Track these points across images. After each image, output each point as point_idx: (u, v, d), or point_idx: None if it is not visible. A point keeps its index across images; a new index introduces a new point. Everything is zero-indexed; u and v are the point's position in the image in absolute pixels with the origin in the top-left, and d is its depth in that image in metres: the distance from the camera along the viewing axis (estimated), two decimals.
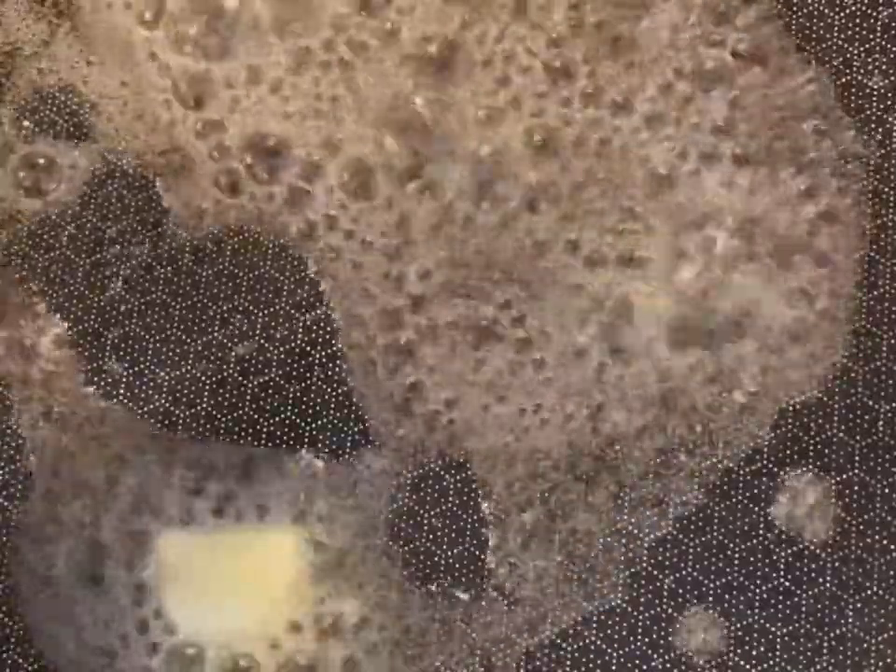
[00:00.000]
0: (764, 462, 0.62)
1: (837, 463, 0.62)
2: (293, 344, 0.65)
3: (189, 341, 0.65)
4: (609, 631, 0.61)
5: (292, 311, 0.65)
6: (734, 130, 0.65)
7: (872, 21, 0.67)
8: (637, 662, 0.61)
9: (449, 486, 0.63)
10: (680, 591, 0.61)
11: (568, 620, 0.61)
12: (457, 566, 0.62)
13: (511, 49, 0.65)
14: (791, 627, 0.61)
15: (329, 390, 0.64)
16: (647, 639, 0.61)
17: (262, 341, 0.65)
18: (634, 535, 0.62)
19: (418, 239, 0.65)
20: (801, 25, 0.67)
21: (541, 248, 0.64)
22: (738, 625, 0.61)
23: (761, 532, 0.62)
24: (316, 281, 0.65)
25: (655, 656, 0.61)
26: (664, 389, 0.63)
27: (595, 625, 0.61)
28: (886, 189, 0.65)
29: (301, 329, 0.65)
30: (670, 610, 0.61)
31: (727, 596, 0.61)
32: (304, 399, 0.64)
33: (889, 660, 0.60)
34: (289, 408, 0.64)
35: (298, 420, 0.64)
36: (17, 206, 0.66)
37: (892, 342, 0.64)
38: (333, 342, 0.65)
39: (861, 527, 0.61)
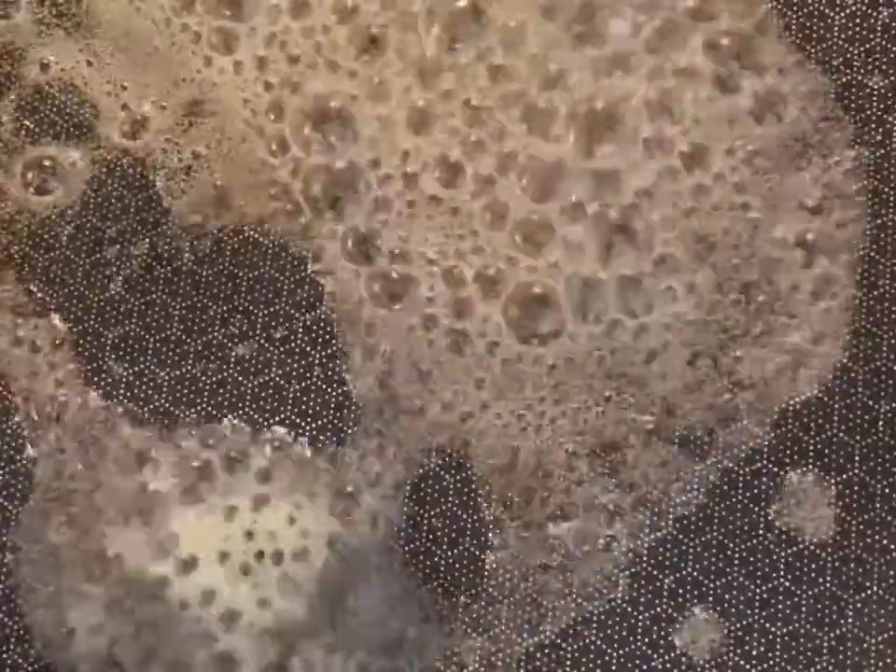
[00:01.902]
0: (764, 462, 0.62)
1: (837, 463, 0.62)
2: (293, 344, 0.65)
3: (188, 341, 0.65)
4: (608, 631, 0.61)
5: (292, 311, 0.65)
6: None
7: (872, 20, 0.67)
8: (637, 662, 0.61)
9: (449, 486, 0.63)
10: (680, 591, 0.61)
11: (568, 620, 0.61)
12: (457, 566, 0.62)
13: None
14: (790, 627, 0.61)
15: (328, 390, 0.64)
16: (647, 639, 0.61)
17: (262, 341, 0.65)
18: (634, 535, 0.62)
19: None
20: (801, 25, 0.67)
21: None
22: (738, 625, 0.61)
23: (761, 532, 0.62)
24: (316, 281, 0.65)
25: (655, 656, 0.61)
26: (664, 390, 0.63)
27: (594, 625, 0.61)
28: (886, 189, 0.65)
29: (300, 329, 0.65)
30: (670, 610, 0.61)
31: (727, 596, 0.61)
32: (304, 399, 0.64)
33: (888, 660, 0.60)
34: (289, 408, 0.64)
35: (298, 420, 0.64)
36: (17, 206, 0.66)
37: (892, 342, 0.64)
38: (333, 342, 0.65)
39: (861, 527, 0.61)
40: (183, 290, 0.65)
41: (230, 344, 0.65)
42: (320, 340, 0.65)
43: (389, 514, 0.62)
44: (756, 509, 0.62)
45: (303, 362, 0.64)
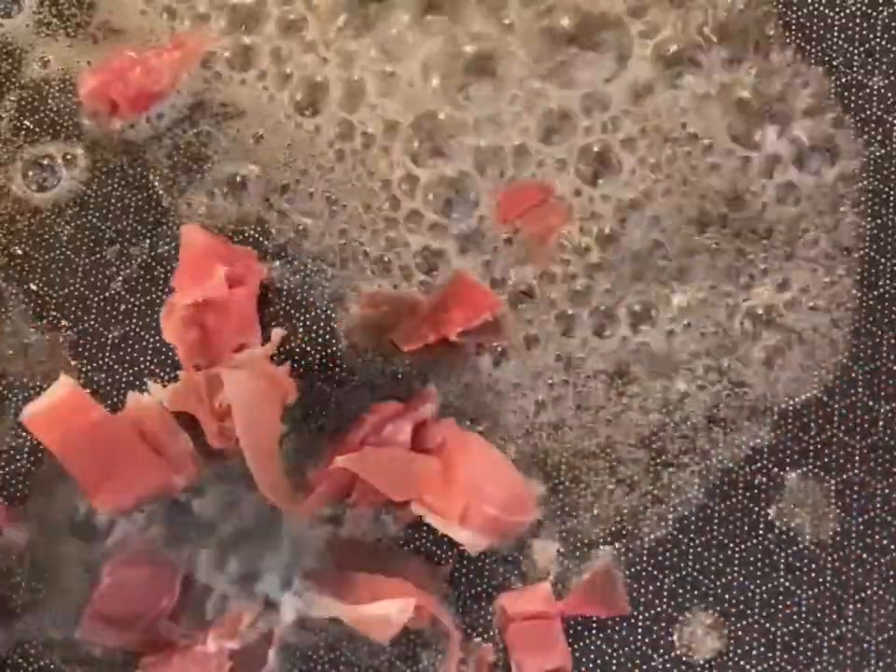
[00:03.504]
0: (764, 462, 0.62)
1: (837, 463, 0.62)
2: (293, 344, 0.65)
3: None
4: (609, 631, 0.61)
5: (291, 311, 0.65)
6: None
7: (872, 20, 0.68)
8: (637, 662, 0.61)
9: None
10: (680, 591, 0.61)
11: (569, 620, 0.61)
12: (458, 566, 0.62)
13: None
14: (791, 627, 0.61)
15: (328, 390, 0.64)
16: (647, 639, 0.61)
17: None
18: (634, 535, 0.62)
19: None
20: (801, 25, 0.67)
21: None
22: (738, 625, 0.61)
23: (761, 532, 0.62)
24: (315, 280, 0.65)
25: (655, 656, 0.61)
26: (665, 391, 0.63)
27: (595, 625, 0.61)
28: (886, 189, 0.65)
29: (301, 329, 0.65)
30: (670, 610, 0.61)
31: (727, 596, 0.61)
32: (304, 397, 0.64)
33: (888, 660, 0.60)
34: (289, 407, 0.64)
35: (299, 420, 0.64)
36: (17, 206, 0.66)
37: (892, 342, 0.64)
38: (333, 341, 0.65)
39: (861, 527, 0.62)
40: None
41: None
42: (320, 340, 0.65)
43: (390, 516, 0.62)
44: (756, 509, 0.62)
45: (303, 362, 0.64)
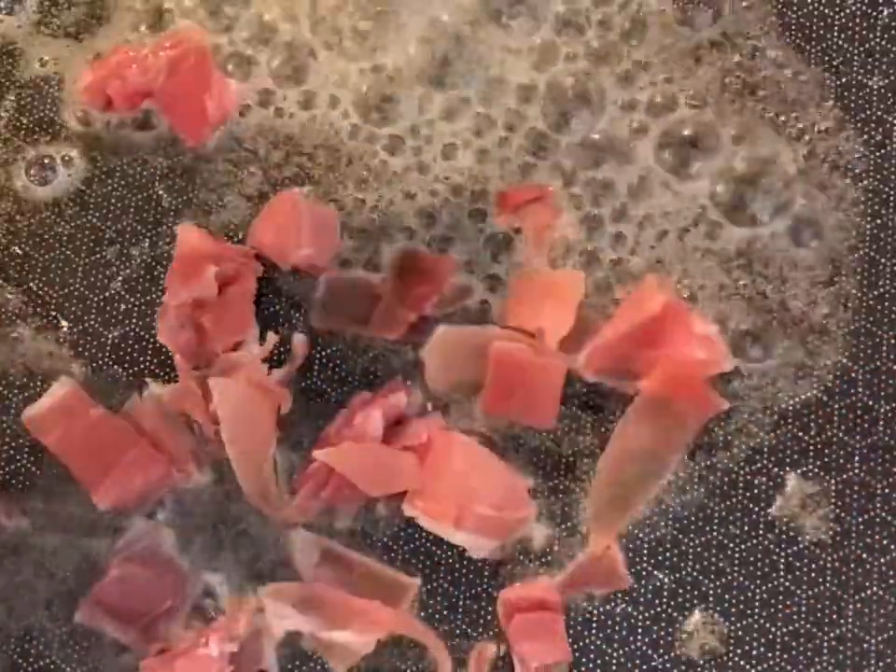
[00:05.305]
0: (764, 462, 0.62)
1: (837, 463, 0.62)
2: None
3: None
4: (608, 631, 0.61)
5: (292, 311, 0.65)
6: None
7: (872, 20, 0.68)
8: (637, 662, 0.61)
9: None
10: (680, 591, 0.61)
11: (569, 619, 0.61)
12: (457, 566, 0.62)
13: None
14: (790, 627, 0.61)
15: (328, 390, 0.64)
16: (647, 639, 0.61)
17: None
18: (634, 535, 0.62)
19: None
20: (801, 25, 0.67)
21: None
22: (738, 625, 0.61)
23: (761, 532, 0.62)
24: (311, 281, 0.65)
25: (655, 656, 0.61)
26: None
27: (594, 625, 0.61)
28: (886, 189, 0.65)
29: (300, 329, 0.65)
30: (670, 610, 0.61)
31: (727, 596, 0.61)
32: (305, 397, 0.64)
33: (888, 660, 0.60)
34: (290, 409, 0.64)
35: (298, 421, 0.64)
36: (17, 206, 0.66)
37: (892, 342, 0.64)
38: (333, 341, 0.65)
39: (861, 527, 0.62)
40: None
41: None
42: (320, 340, 0.65)
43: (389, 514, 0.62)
44: (756, 509, 0.62)
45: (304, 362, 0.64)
